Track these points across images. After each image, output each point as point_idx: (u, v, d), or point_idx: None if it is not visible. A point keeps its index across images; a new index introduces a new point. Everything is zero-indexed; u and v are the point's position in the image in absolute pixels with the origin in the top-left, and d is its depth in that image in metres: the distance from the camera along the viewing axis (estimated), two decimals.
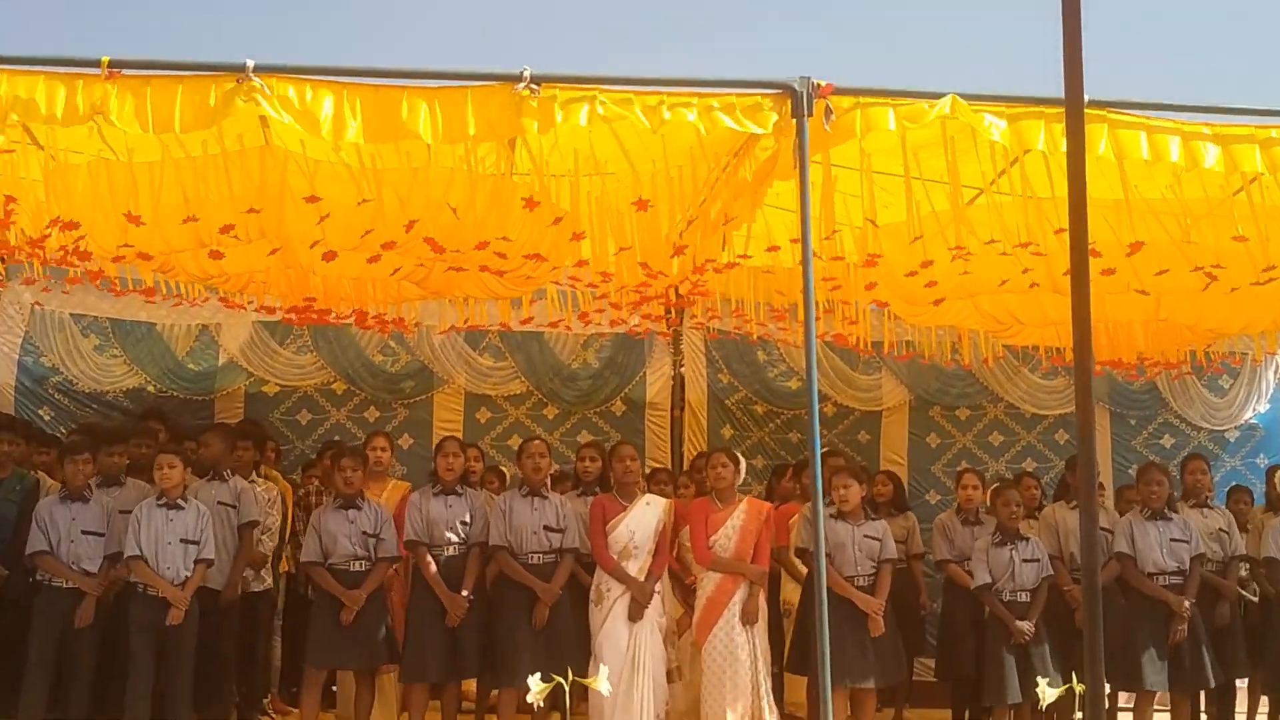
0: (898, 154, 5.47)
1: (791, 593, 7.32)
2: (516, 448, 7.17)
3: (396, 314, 7.86)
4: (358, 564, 6.51)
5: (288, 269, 6.69)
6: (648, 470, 7.92)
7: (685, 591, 6.82)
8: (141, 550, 6.25)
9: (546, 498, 6.66)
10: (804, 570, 6.98)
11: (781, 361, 9.56)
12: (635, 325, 8.40)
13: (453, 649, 6.45)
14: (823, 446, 5.66)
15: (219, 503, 6.79)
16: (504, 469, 8.42)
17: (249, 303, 7.66)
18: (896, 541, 7.09)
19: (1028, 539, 7.02)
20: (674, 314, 9.01)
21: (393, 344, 9.11)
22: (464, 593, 6.45)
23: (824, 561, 5.16)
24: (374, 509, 6.65)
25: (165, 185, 5.48)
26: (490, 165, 5.68)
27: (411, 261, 6.47)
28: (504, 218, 5.82)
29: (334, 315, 7.67)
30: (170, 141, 5.23)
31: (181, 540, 6.32)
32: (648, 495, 6.78)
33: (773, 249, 6.46)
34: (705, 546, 6.54)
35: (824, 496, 5.77)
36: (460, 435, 8.26)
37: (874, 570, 6.66)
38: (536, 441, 6.86)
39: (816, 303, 5.90)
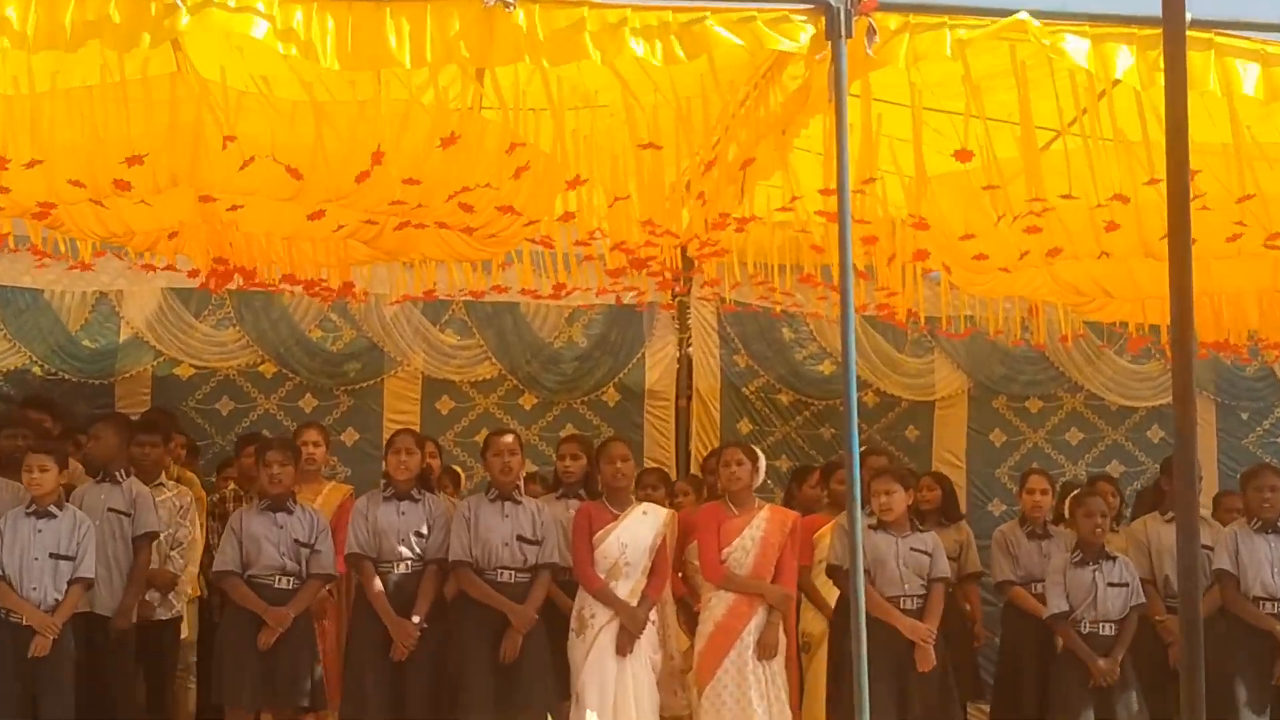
0: (955, 86, 5.46)
1: (812, 623, 7.34)
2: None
3: (341, 278, 7.82)
4: (285, 580, 6.50)
5: (206, 224, 6.68)
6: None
7: (694, 621, 6.81)
8: (3, 568, 6.25)
9: (520, 502, 6.67)
10: (832, 596, 7.00)
11: (811, 340, 9.56)
12: (627, 289, 8.28)
13: (399, 687, 6.43)
14: (861, 445, 5.66)
15: (110, 510, 6.75)
16: (458, 469, 8.40)
17: (159, 263, 7.63)
18: (948, 558, 7.10)
19: (1114, 558, 7.02)
20: (680, 281, 8.96)
21: (334, 317, 9.10)
22: (414, 618, 6.45)
23: (862, 581, 5.16)
24: (308, 514, 6.66)
25: (48, 121, 5.46)
26: (454, 98, 5.67)
27: (359, 217, 6.46)
28: (472, 163, 5.81)
29: (262, 279, 7.62)
30: (64, 66, 5.22)
31: (51, 555, 6.31)
32: (645, 504, 6.79)
33: (792, 202, 6.44)
34: (717, 560, 6.55)
35: (862, 505, 5.77)
36: (417, 429, 8.26)
37: (923, 591, 6.68)
38: (507, 435, 6.86)
39: (855, 267, 5.89)
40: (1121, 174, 5.84)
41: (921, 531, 6.86)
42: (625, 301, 8.59)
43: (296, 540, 6.53)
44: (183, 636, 7.47)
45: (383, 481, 6.78)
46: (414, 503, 6.65)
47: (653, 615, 6.53)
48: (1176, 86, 2.63)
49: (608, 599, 6.43)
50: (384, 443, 7.35)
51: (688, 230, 7.15)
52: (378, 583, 6.49)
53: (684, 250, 8.06)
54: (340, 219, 6.42)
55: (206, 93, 5.54)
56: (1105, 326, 9.17)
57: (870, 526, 6.59)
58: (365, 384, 9.18)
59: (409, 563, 6.56)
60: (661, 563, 6.61)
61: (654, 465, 8.70)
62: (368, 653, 6.47)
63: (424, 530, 6.60)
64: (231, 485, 7.90)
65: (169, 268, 7.55)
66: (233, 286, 7.85)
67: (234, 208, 6.08)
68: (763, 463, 6.82)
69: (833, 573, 6.83)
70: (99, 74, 5.36)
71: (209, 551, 7.48)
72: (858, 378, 5.31)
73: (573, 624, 6.50)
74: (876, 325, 9.22)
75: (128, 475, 6.94)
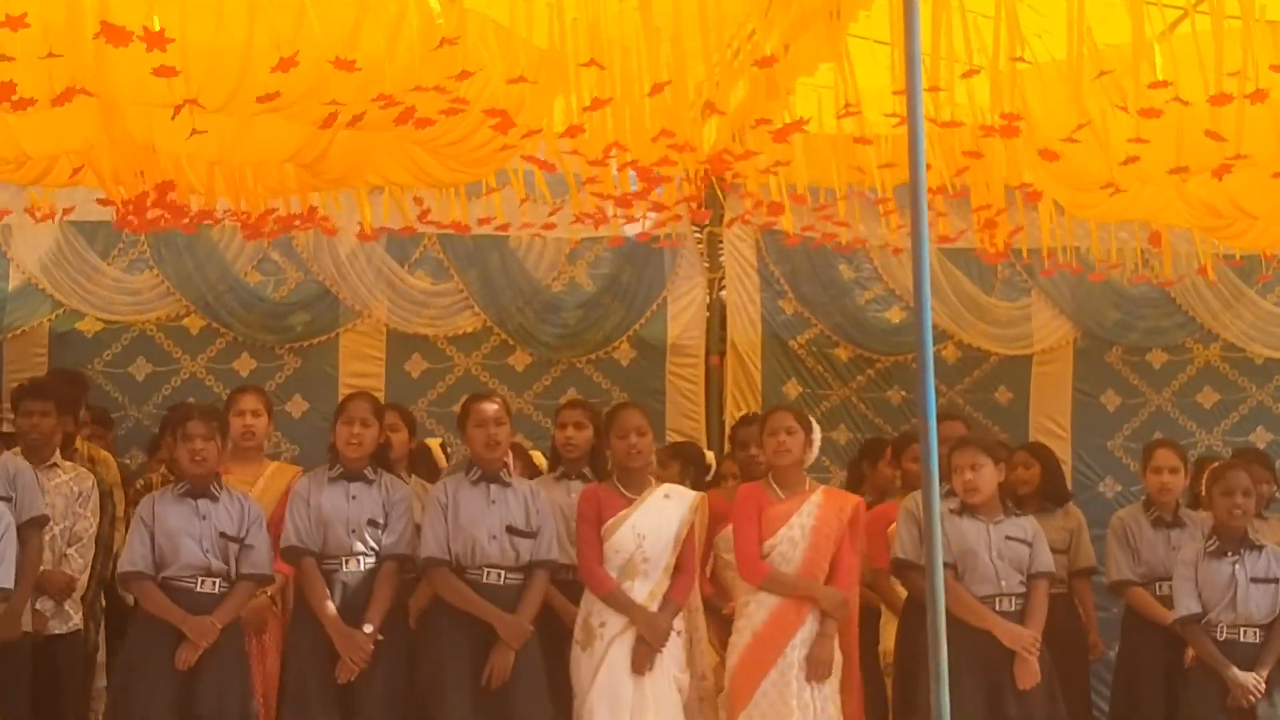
0: None
1: (893, 639, 7.38)
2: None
3: (288, 208, 7.77)
4: (209, 582, 6.50)
5: (116, 146, 6.72)
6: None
7: (725, 629, 6.90)
8: None
9: (509, 485, 6.75)
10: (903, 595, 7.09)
11: (876, 279, 9.57)
12: (638, 216, 8.27)
13: (350, 714, 6.51)
14: (939, 411, 5.69)
15: None
16: (432, 445, 8.39)
17: (56, 202, 7.66)
18: (1054, 551, 7.16)
19: (1260, 548, 7.07)
20: (717, 193, 8.84)
21: (276, 257, 9.13)
22: (366, 628, 6.52)
23: (941, 579, 5.16)
24: (238, 501, 6.67)
25: None
26: None
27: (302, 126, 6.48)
28: (447, 60, 5.85)
29: (191, 210, 7.62)
30: None
31: None
32: (666, 485, 6.88)
33: (847, 114, 6.46)
34: (757, 554, 6.64)
35: (940, 483, 5.80)
36: (381, 394, 8.31)
37: (1022, 588, 6.74)
38: (491, 401, 6.91)
39: (931, 188, 5.90)
40: (1253, 62, 5.84)
41: (1017, 515, 6.89)
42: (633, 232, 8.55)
43: (223, 534, 6.53)
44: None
45: (329, 458, 6.84)
46: (368, 485, 6.73)
47: (678, 624, 6.62)
48: None
49: (621, 604, 6.53)
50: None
51: (715, 144, 7.17)
52: (321, 583, 6.56)
53: (712, 170, 8.07)
54: (275, 129, 6.41)
55: None
56: (1247, 258, 9.08)
57: (952, 511, 6.63)
58: (316, 340, 9.24)
59: (361, 559, 6.65)
60: (689, 559, 6.70)
61: (680, 438, 8.74)
62: (310, 671, 6.53)
63: (380, 519, 6.69)
64: (162, 471, 7.93)
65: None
66: (159, 223, 7.83)
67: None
68: (817, 434, 6.87)
69: (900, 569, 6.89)
70: None
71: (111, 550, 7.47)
72: (935, 326, 5.35)
73: (577, 634, 6.61)
74: (958, 260, 9.24)
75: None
